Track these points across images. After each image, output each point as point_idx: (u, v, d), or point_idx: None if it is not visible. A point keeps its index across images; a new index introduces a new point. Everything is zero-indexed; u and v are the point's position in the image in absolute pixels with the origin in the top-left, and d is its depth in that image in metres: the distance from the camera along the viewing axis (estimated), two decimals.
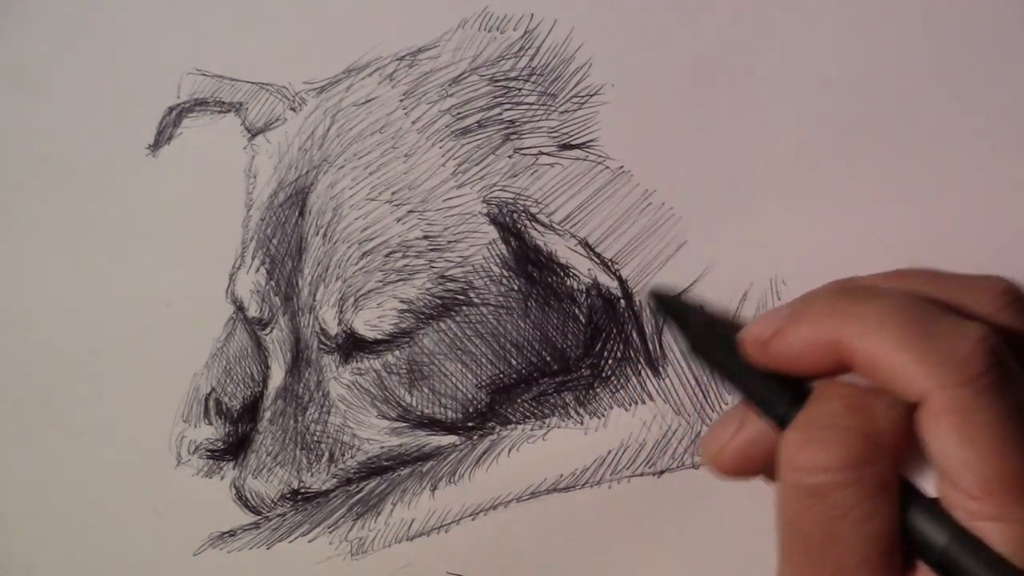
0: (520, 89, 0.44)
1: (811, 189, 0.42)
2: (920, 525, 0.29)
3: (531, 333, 0.43)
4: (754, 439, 0.32)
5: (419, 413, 0.44)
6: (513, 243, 0.43)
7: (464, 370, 0.44)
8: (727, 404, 0.43)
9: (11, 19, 0.46)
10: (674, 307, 0.37)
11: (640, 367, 0.43)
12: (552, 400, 0.44)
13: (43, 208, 0.46)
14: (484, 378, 0.44)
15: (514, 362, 0.43)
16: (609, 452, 0.43)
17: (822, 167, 0.42)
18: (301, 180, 0.45)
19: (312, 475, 0.45)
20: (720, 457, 0.33)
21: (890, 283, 0.32)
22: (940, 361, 0.28)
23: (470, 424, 0.44)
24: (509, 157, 0.44)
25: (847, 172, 0.42)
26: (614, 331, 0.43)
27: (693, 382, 0.43)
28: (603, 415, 0.44)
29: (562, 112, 0.44)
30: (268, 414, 0.45)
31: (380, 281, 0.44)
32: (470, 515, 0.44)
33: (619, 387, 0.43)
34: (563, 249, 0.43)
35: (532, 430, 0.44)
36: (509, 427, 0.44)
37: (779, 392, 0.32)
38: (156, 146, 0.46)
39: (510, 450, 0.44)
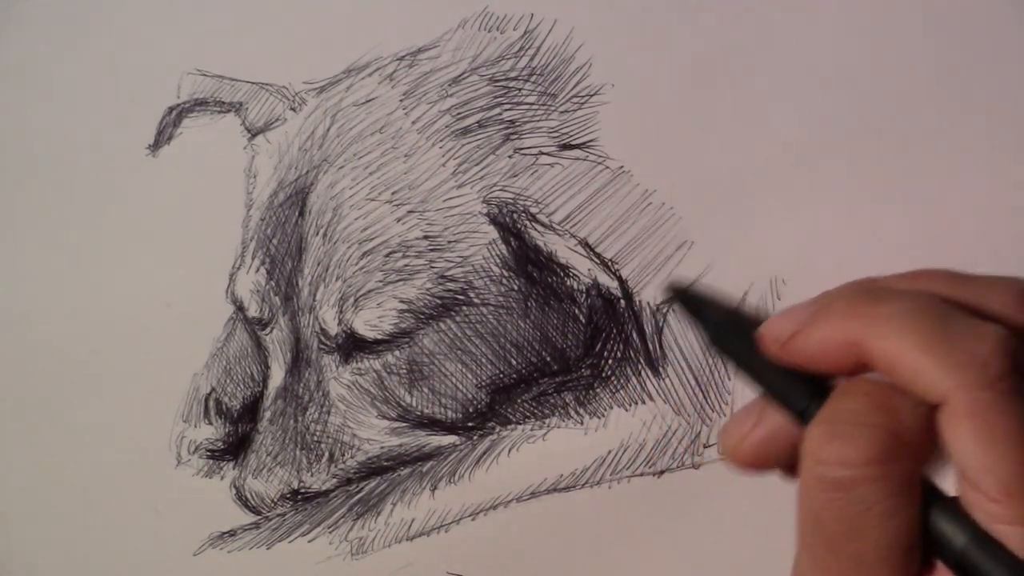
0: (520, 89, 0.44)
1: (811, 189, 0.42)
2: (940, 525, 0.29)
3: (531, 333, 0.43)
4: (773, 434, 0.33)
5: (419, 413, 0.44)
6: (513, 243, 0.43)
7: (464, 370, 0.44)
8: (727, 404, 0.43)
9: (11, 19, 0.46)
10: (693, 300, 0.36)
11: (640, 367, 0.43)
12: (552, 400, 0.44)
13: (43, 208, 0.46)
14: (484, 378, 0.44)
15: (514, 362, 0.43)
16: (609, 452, 0.43)
17: (822, 167, 0.42)
18: (301, 180, 0.45)
19: (312, 475, 0.45)
20: (738, 450, 0.33)
21: (909, 284, 0.32)
22: (961, 364, 0.28)
23: (470, 424, 0.44)
24: (509, 157, 0.44)
25: (847, 172, 0.42)
26: (614, 331, 0.43)
27: (693, 382, 0.43)
28: (603, 415, 0.44)
29: (562, 112, 0.44)
30: (268, 414, 0.45)
31: (380, 281, 0.44)
32: (470, 515, 0.44)
33: (619, 387, 0.43)
34: (563, 249, 0.43)
35: (532, 430, 0.44)
36: (509, 427, 0.44)
37: (799, 387, 0.32)
38: (156, 146, 0.46)
39: (510, 450, 0.44)
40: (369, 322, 0.44)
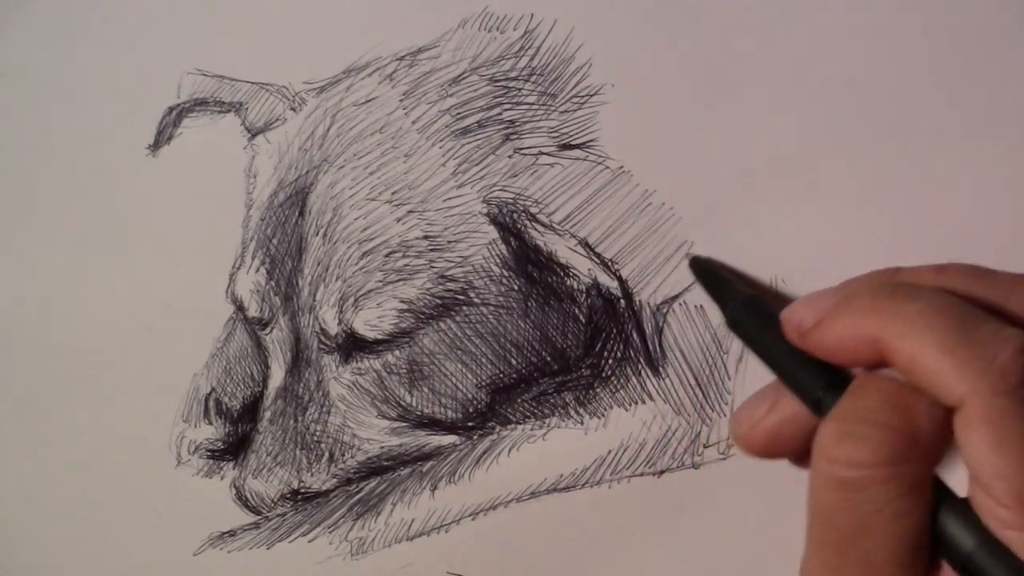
0: (520, 89, 0.44)
1: (811, 189, 0.42)
2: (949, 527, 0.29)
3: (531, 333, 0.43)
4: (786, 420, 0.32)
5: (419, 413, 0.44)
6: (513, 243, 0.43)
7: (464, 370, 0.44)
8: (727, 404, 0.43)
9: (12, 19, 0.46)
10: (714, 279, 0.36)
11: (640, 367, 0.43)
12: (552, 400, 0.44)
13: (43, 208, 0.46)
14: (484, 378, 0.44)
15: (514, 362, 0.43)
16: (609, 452, 0.43)
17: (822, 167, 0.42)
18: (301, 180, 0.45)
19: (312, 475, 0.45)
20: (751, 435, 0.33)
21: (934, 278, 0.32)
22: (980, 368, 0.28)
23: (470, 424, 0.44)
24: (509, 157, 0.44)
25: (847, 172, 0.42)
26: (614, 331, 0.43)
27: (693, 382, 0.43)
28: (603, 415, 0.44)
29: (562, 112, 0.44)
30: (268, 414, 0.45)
31: (380, 281, 0.44)
32: (470, 515, 0.44)
33: (619, 387, 0.43)
34: (563, 249, 0.43)
35: (532, 430, 0.44)
36: (509, 427, 0.44)
37: (816, 376, 0.32)
38: (156, 146, 0.46)
39: (510, 450, 0.44)
40: (369, 322, 0.44)
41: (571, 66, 0.44)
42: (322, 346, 0.44)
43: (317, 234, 0.44)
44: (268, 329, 0.45)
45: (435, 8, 0.44)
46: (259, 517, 0.45)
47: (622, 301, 0.43)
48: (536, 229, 0.43)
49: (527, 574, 0.44)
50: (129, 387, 0.46)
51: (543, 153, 0.44)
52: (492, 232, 0.43)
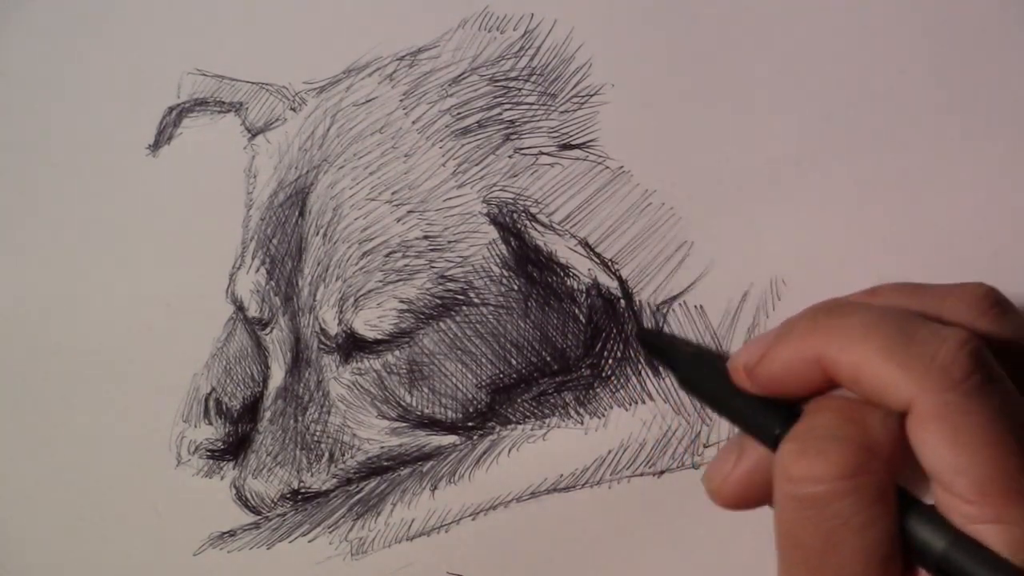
0: (520, 89, 0.44)
1: (811, 189, 0.42)
2: (918, 532, 0.29)
3: (531, 333, 0.43)
4: (754, 467, 0.33)
5: (419, 413, 0.44)
6: (513, 243, 0.43)
7: (464, 370, 0.44)
8: None
9: (12, 19, 0.46)
10: (661, 344, 0.37)
11: (640, 367, 0.43)
12: (552, 400, 0.44)
13: (43, 208, 0.46)
14: (484, 378, 0.44)
15: (514, 362, 0.43)
16: (609, 452, 0.43)
17: (823, 167, 0.42)
18: (301, 180, 0.45)
19: (312, 475, 0.45)
20: (723, 489, 0.33)
21: (869, 299, 0.32)
22: (923, 367, 0.28)
23: (470, 424, 0.44)
24: (509, 157, 0.44)
25: (847, 172, 0.42)
26: (614, 331, 0.43)
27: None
28: (603, 415, 0.44)
29: (562, 112, 0.44)
30: (268, 414, 0.45)
31: (380, 281, 0.44)
32: (470, 515, 0.44)
33: (619, 387, 0.43)
34: (563, 249, 0.43)
35: (532, 430, 0.44)
36: (509, 427, 0.44)
37: (771, 415, 0.32)
38: (156, 146, 0.46)
39: (510, 450, 0.44)
40: (369, 322, 0.44)
41: (571, 66, 0.44)
42: (322, 346, 0.44)
43: (317, 234, 0.44)
44: (268, 329, 0.45)
45: (435, 8, 0.44)
46: (259, 517, 0.45)
47: (622, 301, 0.43)
48: (536, 229, 0.43)
49: (527, 574, 0.44)
50: (129, 387, 0.45)
51: (543, 153, 0.44)
52: (492, 232, 0.43)
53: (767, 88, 0.43)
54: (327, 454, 0.45)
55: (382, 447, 0.45)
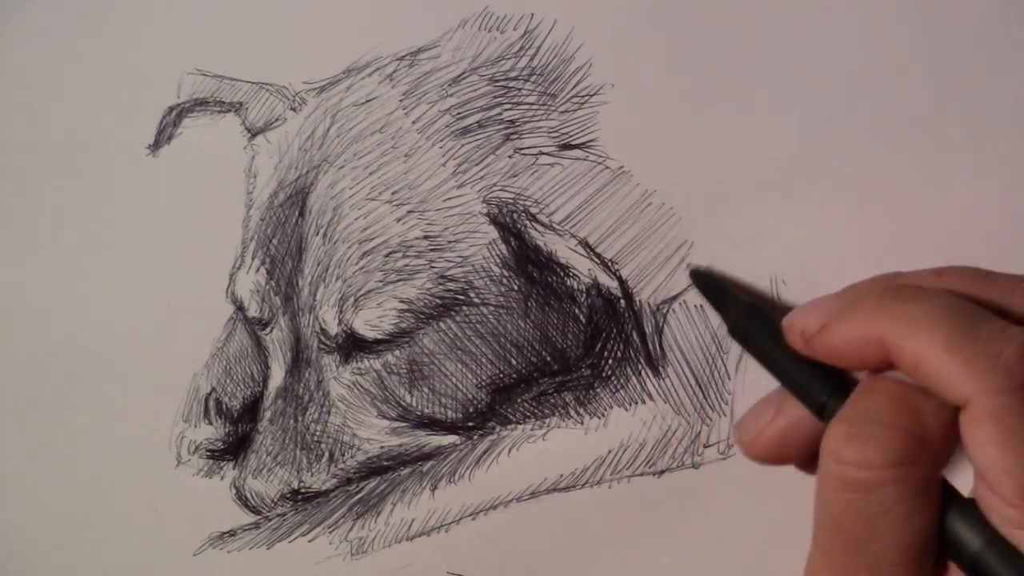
0: (520, 89, 0.44)
1: (811, 189, 0.42)
2: (956, 527, 0.29)
3: (531, 333, 0.43)
4: (791, 426, 0.32)
5: (419, 413, 0.44)
6: (513, 243, 0.43)
7: (464, 370, 0.44)
8: (727, 404, 0.43)
9: (12, 19, 0.46)
10: (714, 287, 0.36)
11: (640, 367, 0.43)
12: (552, 400, 0.44)
13: (43, 208, 0.46)
14: (484, 378, 0.44)
15: (514, 362, 0.43)
16: (609, 452, 0.43)
17: (822, 167, 0.42)
18: (301, 180, 0.45)
19: (312, 475, 0.45)
20: (756, 442, 0.33)
21: (935, 281, 0.32)
22: (985, 366, 0.28)
23: (470, 424, 0.44)
24: (509, 157, 0.44)
25: (847, 172, 0.42)
26: (614, 331, 0.43)
27: (693, 382, 0.43)
28: (603, 415, 0.44)
29: (562, 112, 0.44)
30: (268, 414, 0.45)
31: (380, 281, 0.44)
32: (470, 515, 0.44)
33: (619, 387, 0.43)
34: (563, 249, 0.43)
35: (532, 430, 0.44)
36: (509, 427, 0.44)
37: (820, 381, 0.32)
38: (156, 146, 0.46)
39: (510, 450, 0.44)
40: (369, 322, 0.44)
41: (571, 66, 0.44)
42: (322, 346, 0.45)
43: (317, 234, 0.44)
44: (268, 329, 0.45)
45: (435, 8, 0.44)
46: (259, 517, 0.45)
47: (622, 301, 0.43)
48: (536, 229, 0.43)
49: (527, 574, 0.44)
50: (129, 387, 0.45)
51: (543, 153, 0.44)
52: (492, 232, 0.43)
53: (767, 88, 0.43)
54: (327, 454, 0.45)
55: (382, 447, 0.45)
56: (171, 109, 0.46)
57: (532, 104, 0.44)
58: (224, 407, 0.46)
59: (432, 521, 0.44)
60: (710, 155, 0.43)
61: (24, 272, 0.46)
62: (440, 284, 0.43)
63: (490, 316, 0.43)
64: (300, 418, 0.45)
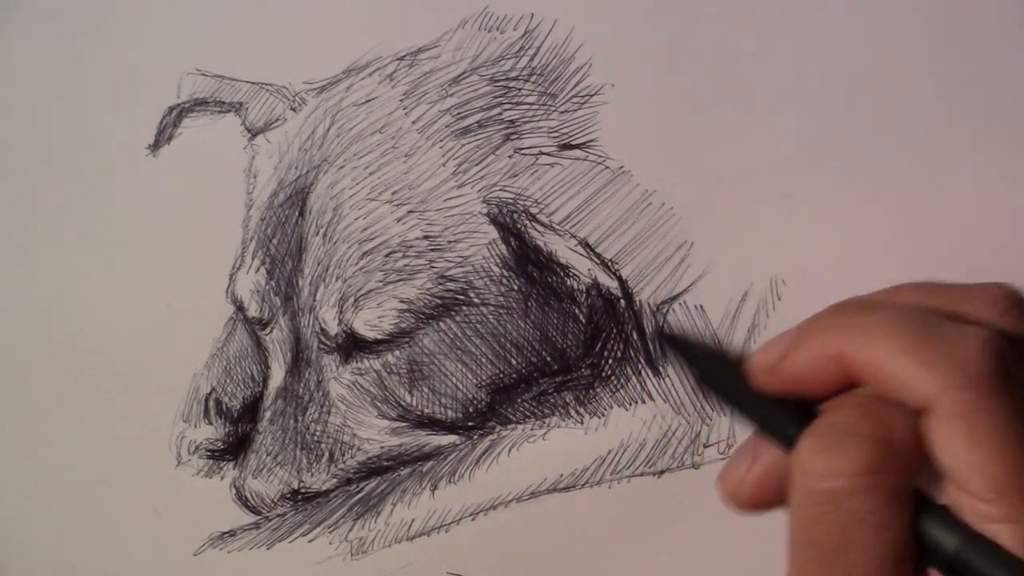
0: (520, 89, 0.44)
1: (811, 189, 0.42)
2: (932, 531, 0.28)
3: (531, 333, 0.43)
4: (771, 470, 0.32)
5: (419, 413, 0.44)
6: (513, 243, 0.43)
7: (464, 370, 0.44)
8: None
9: (12, 19, 0.46)
10: (680, 342, 0.37)
11: (640, 367, 0.43)
12: (552, 400, 0.44)
13: (43, 208, 0.46)
14: (484, 378, 0.44)
15: (514, 362, 0.43)
16: (609, 452, 0.43)
17: (822, 167, 0.42)
18: (301, 180, 0.45)
19: (312, 475, 0.45)
20: (739, 492, 0.33)
21: (891, 297, 0.32)
22: (945, 365, 0.28)
23: (470, 424, 0.44)
24: (509, 157, 0.44)
25: (847, 172, 0.42)
26: (614, 331, 0.43)
27: (693, 382, 0.43)
28: (603, 415, 0.44)
29: (562, 112, 0.44)
30: (268, 414, 0.45)
31: (380, 281, 0.44)
32: (470, 515, 0.44)
33: (619, 387, 0.43)
34: (563, 249, 0.43)
35: (532, 430, 0.44)
36: (509, 427, 0.44)
37: (789, 415, 0.32)
38: (156, 146, 0.46)
39: (510, 450, 0.44)
40: (369, 322, 0.44)
41: (571, 66, 0.44)
42: (322, 346, 0.44)
43: (317, 234, 0.44)
44: (268, 329, 0.45)
45: (435, 8, 0.44)
46: (259, 517, 0.45)
47: (622, 301, 0.43)
48: (536, 229, 0.43)
49: (527, 574, 0.44)
50: (129, 387, 0.45)
51: (543, 153, 0.44)
52: (492, 232, 0.43)
53: (767, 88, 0.43)
54: (327, 454, 0.45)
55: (382, 447, 0.45)
56: (171, 109, 0.46)
57: (532, 104, 0.44)
58: (224, 407, 0.46)
59: (432, 521, 0.44)
60: (710, 155, 0.43)
61: (24, 272, 0.46)
62: (440, 284, 0.43)
63: (490, 316, 0.43)
64: (300, 418, 0.45)
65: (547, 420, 0.44)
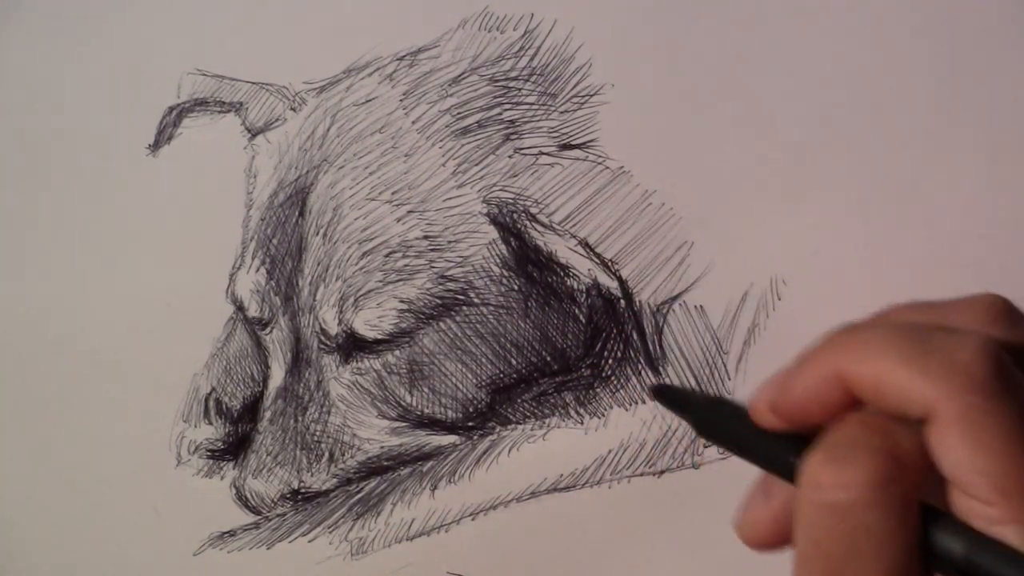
0: (520, 89, 0.44)
1: (811, 189, 0.42)
2: (939, 539, 0.29)
3: (531, 333, 0.43)
4: (784, 505, 0.32)
5: (419, 413, 0.44)
6: (513, 243, 0.43)
7: (464, 370, 0.44)
8: None
9: (12, 19, 0.46)
10: (673, 394, 0.37)
11: (640, 367, 0.43)
12: (552, 400, 0.44)
13: (43, 208, 0.46)
14: (484, 378, 0.44)
15: (514, 362, 0.43)
16: (609, 452, 0.43)
17: (822, 167, 0.42)
18: (301, 180, 0.45)
19: (312, 475, 0.45)
20: (758, 535, 0.33)
21: (883, 318, 0.32)
22: (943, 371, 0.28)
23: (470, 424, 0.44)
24: (509, 157, 0.44)
25: (847, 172, 0.42)
26: (614, 331, 0.43)
27: (693, 382, 0.43)
28: (603, 415, 0.44)
29: (562, 112, 0.44)
30: (268, 414, 0.45)
31: (380, 281, 0.44)
32: (470, 515, 0.44)
33: (619, 387, 0.43)
34: (563, 249, 0.43)
35: (532, 430, 0.44)
36: (509, 427, 0.44)
37: (793, 448, 0.32)
38: (156, 146, 0.46)
39: (510, 450, 0.44)
40: (369, 322, 0.44)
41: (571, 66, 0.44)
42: (322, 346, 0.45)
43: (317, 234, 0.44)
44: (268, 329, 0.45)
45: (435, 8, 0.44)
46: (259, 517, 0.45)
47: (622, 301, 0.43)
48: (536, 229, 0.43)
49: (527, 574, 0.44)
50: (129, 387, 0.46)
51: (543, 153, 0.44)
52: (492, 232, 0.43)
53: (767, 88, 0.43)
54: (327, 454, 0.45)
55: (382, 447, 0.45)
56: (171, 109, 0.46)
57: (532, 104, 0.44)
58: (224, 407, 0.46)
59: (432, 521, 0.44)
60: (710, 155, 0.43)
61: (24, 272, 0.46)
62: (440, 284, 0.43)
63: (490, 316, 0.43)
64: (300, 418, 0.45)
65: (547, 420, 0.44)
